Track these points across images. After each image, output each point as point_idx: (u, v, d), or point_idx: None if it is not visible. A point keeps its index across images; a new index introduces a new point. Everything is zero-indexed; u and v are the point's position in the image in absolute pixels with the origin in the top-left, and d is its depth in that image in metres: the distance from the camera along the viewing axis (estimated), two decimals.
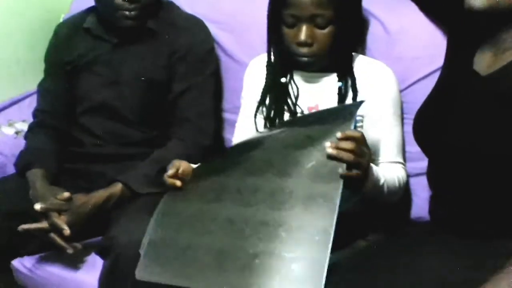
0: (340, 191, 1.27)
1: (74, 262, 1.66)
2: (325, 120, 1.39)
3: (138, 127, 1.80)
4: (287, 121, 1.57)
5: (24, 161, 1.74)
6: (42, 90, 1.88)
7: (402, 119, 1.65)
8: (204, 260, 1.31)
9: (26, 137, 1.85)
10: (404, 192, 1.62)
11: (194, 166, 1.50)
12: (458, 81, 1.42)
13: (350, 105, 1.53)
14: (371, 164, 1.41)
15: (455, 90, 1.41)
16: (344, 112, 1.40)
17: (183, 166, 1.47)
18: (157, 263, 1.35)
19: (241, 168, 1.39)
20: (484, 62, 1.37)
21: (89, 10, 1.86)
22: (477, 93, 1.35)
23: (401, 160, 1.62)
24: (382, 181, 1.47)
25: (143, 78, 1.77)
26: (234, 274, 1.27)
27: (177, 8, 1.87)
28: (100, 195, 1.62)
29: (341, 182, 1.28)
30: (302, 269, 1.23)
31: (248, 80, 1.73)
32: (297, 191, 1.30)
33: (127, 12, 1.70)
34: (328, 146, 1.31)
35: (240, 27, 1.90)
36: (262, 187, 1.33)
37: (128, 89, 1.78)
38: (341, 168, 1.29)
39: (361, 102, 1.43)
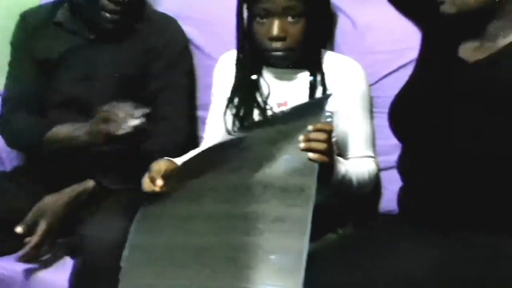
0: (315, 181, 1.28)
1: (44, 262, 1.64)
2: (296, 115, 1.40)
3: None
4: (259, 121, 1.58)
5: (36, 134, 1.70)
6: (11, 78, 1.83)
7: (372, 113, 1.66)
8: (185, 259, 1.32)
9: (5, 122, 1.80)
10: (374, 185, 1.64)
11: (177, 160, 1.49)
12: (442, 68, 1.42)
13: (319, 98, 1.54)
14: (338, 157, 1.43)
15: (438, 77, 1.41)
16: (313, 106, 1.41)
17: (163, 167, 1.45)
18: (139, 268, 1.36)
19: (218, 168, 1.40)
20: (470, 50, 1.38)
21: (58, 3, 1.82)
22: (463, 79, 1.36)
23: (372, 154, 1.63)
24: (350, 173, 1.49)
25: (117, 75, 1.75)
26: (216, 269, 1.29)
27: (150, 6, 1.86)
28: (71, 190, 1.61)
29: (315, 173, 1.29)
30: (282, 260, 1.24)
31: (218, 76, 1.72)
32: (274, 185, 1.32)
33: (111, 15, 1.68)
34: (301, 139, 1.31)
35: (211, 23, 1.89)
36: (239, 183, 1.35)
37: (102, 85, 1.75)
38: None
39: (329, 95, 1.44)
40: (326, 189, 1.42)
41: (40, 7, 1.88)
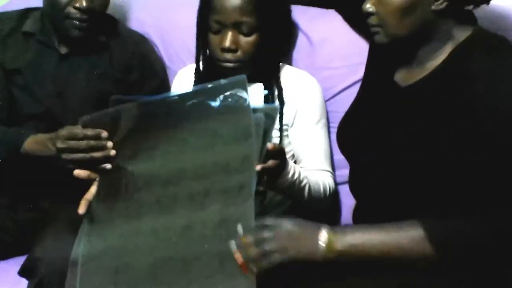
0: (254, 177, 1.28)
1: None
2: (226, 115, 1.37)
3: None
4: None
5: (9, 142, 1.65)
6: None
7: (328, 127, 1.67)
8: (138, 278, 1.30)
9: None
10: (332, 199, 1.64)
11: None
12: (379, 91, 1.45)
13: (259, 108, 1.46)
14: (288, 160, 1.43)
15: (376, 100, 1.44)
16: (242, 108, 1.36)
17: None
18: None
19: (156, 180, 1.38)
20: (404, 74, 1.41)
21: (26, 12, 1.80)
22: (396, 103, 1.39)
23: (329, 168, 1.64)
24: (302, 177, 1.49)
25: (92, 91, 1.73)
26: (171, 284, 1.27)
27: (118, 21, 1.86)
28: None
29: (254, 170, 1.28)
30: (233, 263, 1.23)
31: (176, 89, 1.73)
32: (214, 188, 1.31)
33: (77, 22, 1.66)
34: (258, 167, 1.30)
35: (164, 37, 1.90)
36: (180, 193, 1.33)
37: (76, 101, 1.73)
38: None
39: (275, 108, 1.41)
40: (278, 192, 1.43)
41: (5, 14, 1.84)
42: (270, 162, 1.32)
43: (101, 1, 1.69)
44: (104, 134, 1.39)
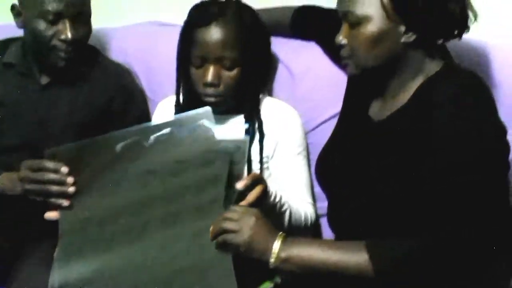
0: (223, 191, 1.33)
1: None
2: (193, 143, 1.43)
3: None
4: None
5: None
6: None
7: (309, 159, 1.68)
8: None
9: None
10: (313, 231, 1.64)
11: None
12: (355, 125, 1.47)
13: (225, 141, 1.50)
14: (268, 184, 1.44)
15: (351, 134, 1.46)
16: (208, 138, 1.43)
17: None
18: None
19: (125, 210, 1.40)
20: (377, 108, 1.43)
21: (6, 42, 1.79)
22: (370, 137, 1.40)
23: (310, 199, 1.64)
24: (283, 202, 1.49)
25: (75, 121, 1.73)
26: None
27: (100, 52, 1.85)
28: None
29: (223, 184, 1.34)
30: (214, 277, 1.29)
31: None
32: (185, 208, 1.36)
33: (63, 54, 1.66)
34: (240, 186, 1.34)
35: (147, 68, 1.90)
36: (151, 218, 1.37)
37: (57, 132, 1.73)
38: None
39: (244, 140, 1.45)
40: None
41: None
42: (256, 190, 1.35)
43: (85, 32, 1.69)
44: (64, 169, 1.41)
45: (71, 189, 1.42)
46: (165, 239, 1.35)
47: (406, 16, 1.30)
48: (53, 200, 1.43)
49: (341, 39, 1.36)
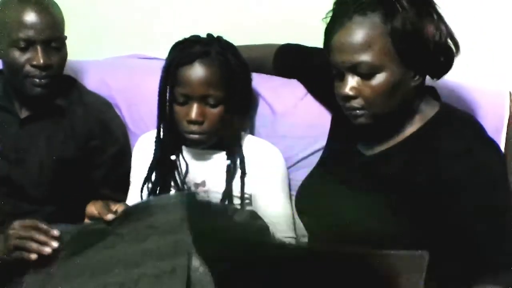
0: (186, 262, 1.29)
1: None
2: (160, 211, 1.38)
3: (44, 204, 1.72)
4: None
5: None
6: None
7: (290, 196, 1.68)
8: None
9: None
10: None
11: None
12: (342, 160, 1.47)
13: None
14: None
15: (338, 169, 1.47)
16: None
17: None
18: None
19: (84, 271, 1.37)
20: (368, 143, 1.43)
21: None
22: (359, 172, 1.41)
23: (293, 235, 1.65)
24: None
25: (53, 157, 1.72)
26: None
27: (80, 84, 1.85)
28: None
29: (186, 255, 1.29)
30: None
31: (137, 156, 1.73)
32: (145, 274, 1.31)
33: (37, 80, 1.65)
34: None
35: (128, 101, 1.89)
36: (110, 282, 1.33)
37: (36, 167, 1.72)
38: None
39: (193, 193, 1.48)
40: None
41: None
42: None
43: (58, 58, 1.68)
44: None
45: (47, 250, 1.36)
46: None
47: (414, 61, 1.31)
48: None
49: (348, 91, 1.33)
